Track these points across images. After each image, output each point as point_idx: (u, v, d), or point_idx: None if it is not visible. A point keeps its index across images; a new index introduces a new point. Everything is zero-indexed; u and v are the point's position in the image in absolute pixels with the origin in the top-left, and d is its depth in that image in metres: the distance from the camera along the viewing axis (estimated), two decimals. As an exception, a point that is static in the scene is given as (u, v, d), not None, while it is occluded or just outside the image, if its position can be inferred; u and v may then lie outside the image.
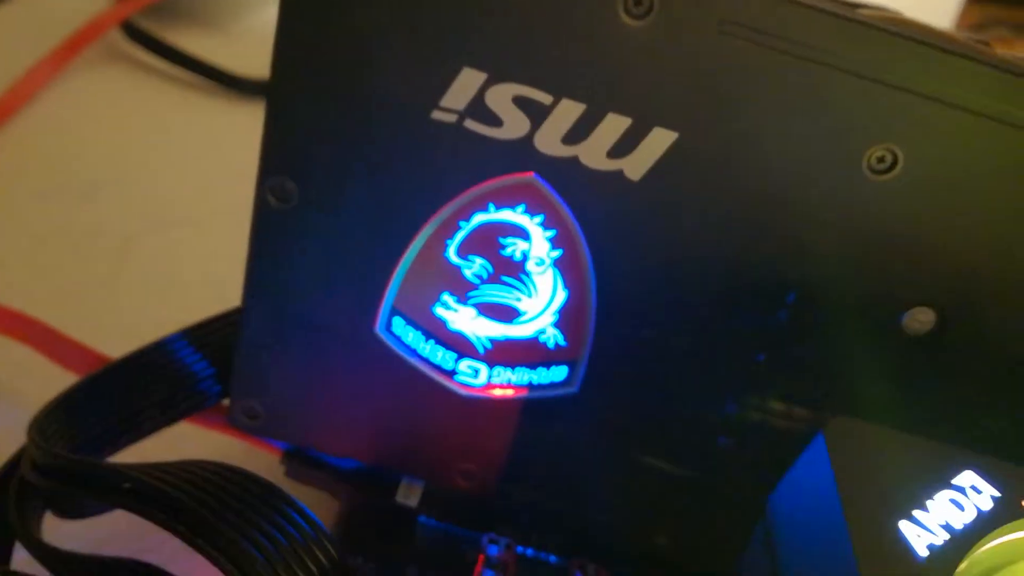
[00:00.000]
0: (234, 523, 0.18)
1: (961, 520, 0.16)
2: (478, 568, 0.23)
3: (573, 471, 0.25)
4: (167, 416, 0.25)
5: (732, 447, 0.23)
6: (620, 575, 0.25)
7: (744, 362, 0.22)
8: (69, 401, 0.23)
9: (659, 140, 0.20)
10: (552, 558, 0.26)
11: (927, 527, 0.16)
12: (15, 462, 0.21)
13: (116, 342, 0.26)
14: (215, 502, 0.18)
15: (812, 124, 0.19)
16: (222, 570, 0.17)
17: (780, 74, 0.19)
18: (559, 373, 0.23)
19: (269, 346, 0.24)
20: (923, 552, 0.15)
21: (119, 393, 0.24)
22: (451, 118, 0.20)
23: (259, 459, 0.27)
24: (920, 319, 0.21)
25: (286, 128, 0.21)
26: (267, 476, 0.22)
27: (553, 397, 0.23)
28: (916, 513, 0.16)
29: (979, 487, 0.17)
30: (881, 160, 0.19)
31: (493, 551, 0.23)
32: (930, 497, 0.16)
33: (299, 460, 0.26)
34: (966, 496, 0.17)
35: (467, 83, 0.20)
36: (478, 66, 0.19)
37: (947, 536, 0.16)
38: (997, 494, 0.17)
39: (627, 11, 0.18)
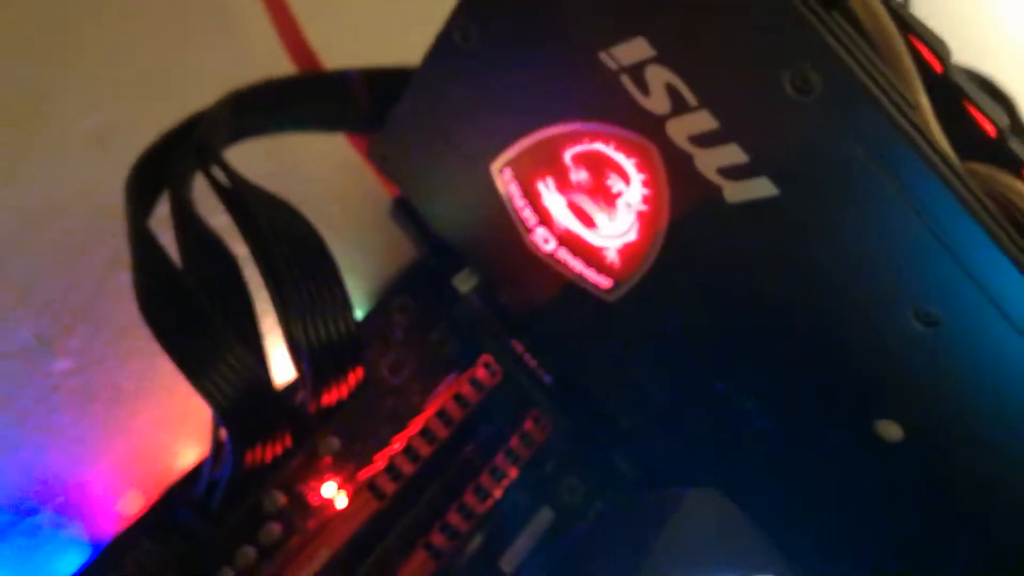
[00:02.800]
0: (293, 269, 0.24)
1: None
2: (475, 372, 0.29)
3: (580, 351, 0.29)
4: (330, 127, 0.30)
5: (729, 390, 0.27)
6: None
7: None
8: (267, 86, 0.29)
9: (763, 187, 0.21)
10: (546, 377, 0.32)
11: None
12: (193, 123, 0.27)
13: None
14: (288, 247, 0.24)
15: (891, 261, 0.20)
16: (270, 293, 0.24)
17: (880, 202, 0.19)
18: (605, 281, 0.27)
19: (413, 126, 0.28)
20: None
21: (306, 94, 0.30)
22: (612, 66, 0.22)
23: (379, 191, 0.32)
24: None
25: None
26: (376, 206, 0.28)
27: (592, 294, 0.27)
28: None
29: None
30: (928, 315, 0.21)
31: (482, 371, 0.29)
32: None
33: (403, 209, 0.31)
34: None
35: (637, 50, 0.21)
36: (653, 43, 0.21)
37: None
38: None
39: (793, 84, 0.19)
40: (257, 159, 0.29)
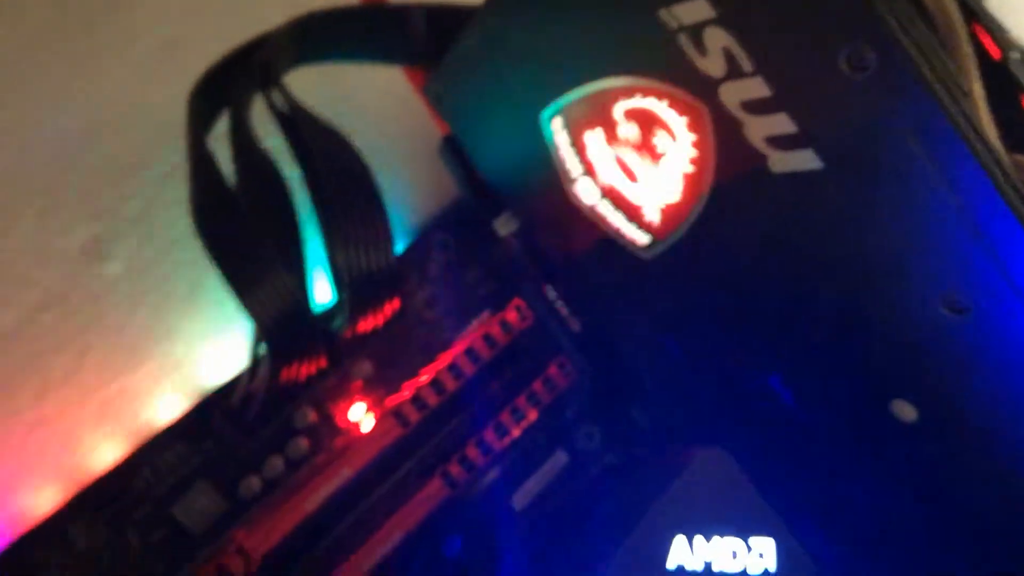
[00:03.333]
0: (340, 198, 0.24)
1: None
2: (505, 315, 0.30)
3: (611, 304, 0.30)
4: (389, 60, 0.31)
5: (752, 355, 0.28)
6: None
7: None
8: (332, 14, 0.29)
9: (808, 160, 0.21)
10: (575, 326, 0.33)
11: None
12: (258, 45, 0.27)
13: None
14: (338, 177, 0.24)
15: (926, 246, 0.20)
16: (317, 220, 0.25)
17: (922, 187, 0.20)
18: (643, 237, 0.27)
19: (469, 66, 0.28)
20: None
21: (369, 26, 0.30)
22: (671, 24, 0.22)
23: (429, 127, 0.33)
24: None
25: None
26: (426, 142, 0.29)
27: (629, 250, 0.28)
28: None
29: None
30: (957, 303, 0.21)
31: (513, 314, 0.30)
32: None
33: (452, 148, 0.32)
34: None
35: (698, 10, 0.21)
36: (714, 4, 0.21)
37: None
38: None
39: (848, 60, 0.19)
40: (314, 84, 0.30)
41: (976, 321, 0.21)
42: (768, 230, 0.24)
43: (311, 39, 0.28)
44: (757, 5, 0.20)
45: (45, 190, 0.29)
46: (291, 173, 0.27)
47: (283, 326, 0.24)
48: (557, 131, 0.27)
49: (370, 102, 0.33)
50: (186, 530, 0.26)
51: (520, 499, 0.31)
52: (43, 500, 0.26)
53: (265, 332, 0.24)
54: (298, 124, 0.26)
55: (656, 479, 0.21)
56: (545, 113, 0.27)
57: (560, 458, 0.32)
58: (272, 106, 0.27)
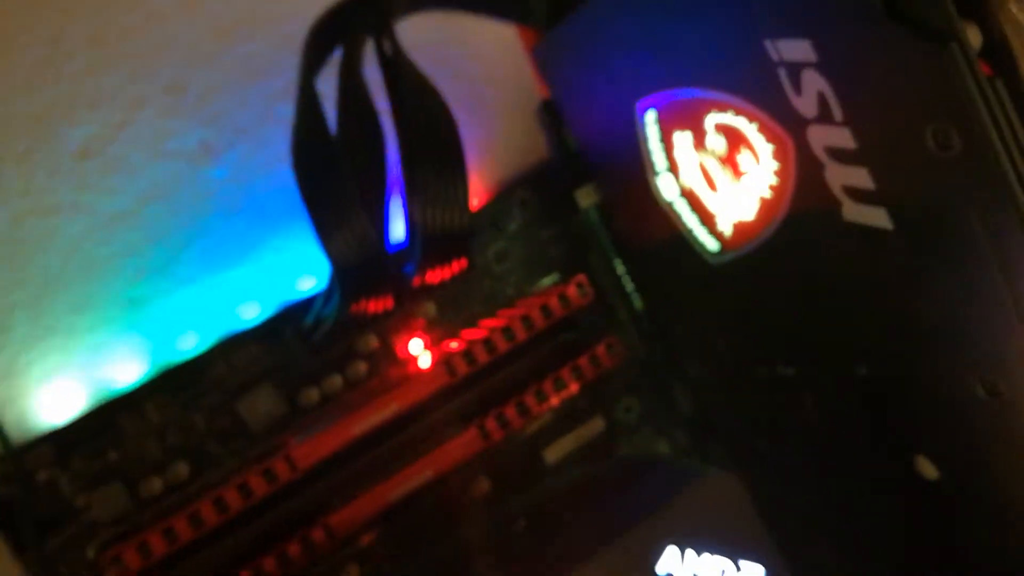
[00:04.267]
0: (427, 155, 0.26)
1: None
2: (566, 288, 0.31)
3: (671, 294, 0.31)
4: (505, 16, 0.31)
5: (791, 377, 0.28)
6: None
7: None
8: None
9: (879, 218, 0.22)
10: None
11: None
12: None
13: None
14: (428, 133, 0.26)
15: (975, 328, 0.21)
16: (402, 171, 0.26)
17: (981, 273, 0.20)
18: (712, 244, 0.28)
19: (579, 40, 0.29)
20: None
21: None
22: (774, 56, 0.22)
23: (532, 88, 0.33)
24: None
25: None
26: (526, 100, 0.30)
27: (697, 250, 0.28)
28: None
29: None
30: (994, 387, 0.21)
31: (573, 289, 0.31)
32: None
33: (549, 112, 0.33)
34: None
35: (801, 51, 0.21)
36: (818, 50, 0.21)
37: None
38: None
39: (935, 138, 0.19)
40: (429, 24, 0.31)
41: (1008, 406, 0.21)
42: (828, 271, 0.24)
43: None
44: (858, 61, 0.20)
45: (169, 89, 0.31)
46: (387, 119, 0.28)
47: (356, 270, 0.26)
48: (649, 123, 0.28)
49: (482, 50, 0.34)
50: (246, 425, 0.29)
51: (553, 453, 0.33)
52: (129, 372, 0.30)
53: (338, 272, 0.26)
54: (399, 73, 0.27)
55: (666, 487, 0.23)
56: (641, 103, 0.28)
57: (598, 423, 0.34)
58: (380, 50, 0.28)
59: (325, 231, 0.26)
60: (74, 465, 0.28)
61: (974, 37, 0.19)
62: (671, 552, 0.21)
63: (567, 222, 0.33)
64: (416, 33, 0.30)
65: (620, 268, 0.34)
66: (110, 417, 0.28)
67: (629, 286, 0.34)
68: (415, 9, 0.30)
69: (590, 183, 0.32)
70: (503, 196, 0.33)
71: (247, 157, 0.32)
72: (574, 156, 0.32)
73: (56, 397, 0.29)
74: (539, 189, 0.33)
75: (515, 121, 0.34)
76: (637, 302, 0.34)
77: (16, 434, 0.28)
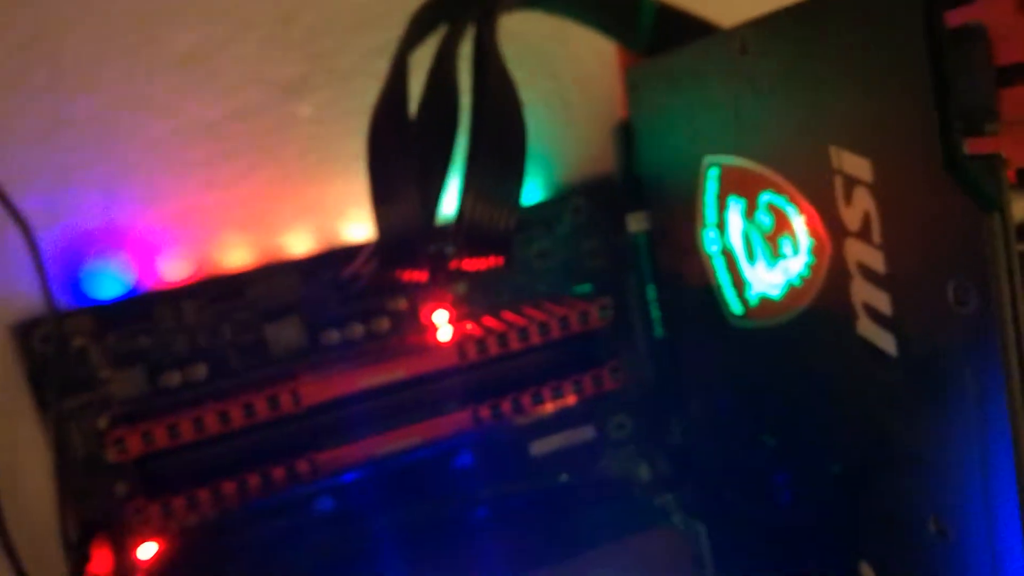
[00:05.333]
0: (492, 153, 0.27)
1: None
2: (588, 307, 0.33)
3: (689, 333, 0.32)
4: (608, 33, 0.32)
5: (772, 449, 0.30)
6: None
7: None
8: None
9: (888, 342, 0.22)
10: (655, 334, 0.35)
11: None
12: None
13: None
14: (497, 134, 0.27)
15: (940, 474, 0.22)
16: (464, 160, 0.27)
17: (961, 428, 0.21)
18: (737, 307, 0.29)
19: (670, 78, 0.30)
20: None
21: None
22: (834, 163, 0.23)
23: (615, 105, 0.34)
24: None
25: None
26: (606, 114, 0.30)
27: (721, 307, 0.30)
28: None
29: None
30: (943, 529, 0.22)
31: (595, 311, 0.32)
32: None
33: (624, 133, 0.33)
34: None
35: (860, 168, 0.22)
36: (875, 171, 0.21)
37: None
38: None
39: (955, 291, 0.20)
40: (535, 18, 0.32)
41: (952, 548, 0.22)
42: (829, 370, 0.25)
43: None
44: (907, 197, 0.21)
45: (280, 19, 0.33)
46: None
47: (399, 241, 0.28)
48: (710, 178, 0.29)
49: (579, 56, 0.35)
50: (267, 347, 0.32)
51: (539, 447, 0.35)
52: (177, 271, 0.32)
53: (381, 241, 0.28)
54: (487, 68, 0.28)
55: (624, 521, 0.24)
56: (708, 158, 0.28)
57: (588, 431, 0.35)
58: (479, 39, 0.29)
59: (379, 198, 0.28)
60: (107, 340, 0.30)
61: (1021, 208, 0.20)
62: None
63: (613, 239, 0.35)
64: (521, 23, 0.31)
65: (651, 295, 0.35)
66: (150, 307, 0.31)
67: (655, 313, 0.35)
68: (523, 6, 0.31)
69: (643, 210, 0.33)
70: (560, 199, 0.35)
71: (334, 102, 0.33)
72: (635, 180, 0.33)
73: (107, 276, 0.31)
74: (595, 201, 0.35)
75: (591, 132, 0.35)
76: (658, 330, 0.35)
77: (63, 300, 0.31)
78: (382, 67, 0.30)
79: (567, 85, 0.35)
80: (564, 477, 0.33)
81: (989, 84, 0.19)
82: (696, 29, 0.31)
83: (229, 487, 0.28)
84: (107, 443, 0.28)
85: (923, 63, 0.19)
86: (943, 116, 0.19)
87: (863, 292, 0.23)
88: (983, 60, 0.19)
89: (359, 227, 0.33)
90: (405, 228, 0.27)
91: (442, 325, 0.33)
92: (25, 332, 0.30)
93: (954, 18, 0.19)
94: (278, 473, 0.28)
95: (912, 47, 0.19)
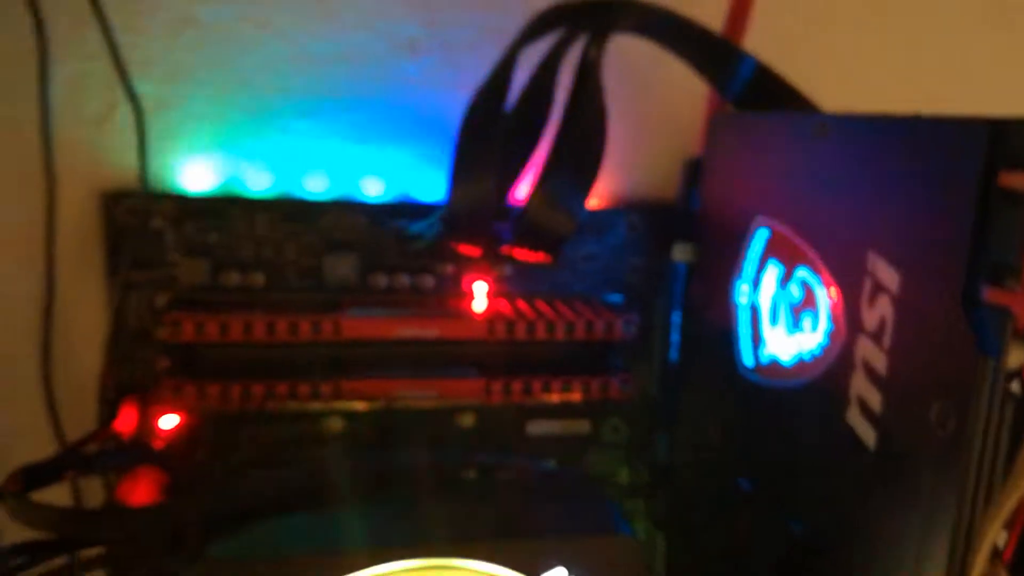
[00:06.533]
0: (569, 163, 0.29)
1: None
2: (615, 320, 0.35)
3: (701, 367, 0.34)
4: (703, 76, 0.34)
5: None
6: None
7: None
8: (688, 21, 0.32)
9: (870, 436, 0.25)
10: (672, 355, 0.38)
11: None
12: None
13: None
14: (580, 148, 0.29)
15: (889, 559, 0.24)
16: (544, 163, 0.30)
17: (905, 539, 0.23)
18: (749, 359, 0.31)
19: (748, 134, 0.32)
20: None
21: (708, 47, 0.33)
22: (868, 266, 0.25)
23: (693, 142, 0.36)
24: None
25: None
26: (682, 148, 0.32)
27: (735, 356, 0.32)
28: None
29: None
30: None
31: (620, 325, 0.34)
32: None
33: (692, 171, 0.35)
34: None
35: (890, 278, 0.24)
36: (904, 286, 0.23)
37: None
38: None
39: (937, 415, 0.22)
40: (643, 44, 0.34)
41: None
42: (813, 442, 0.27)
43: (656, 24, 0.32)
44: (922, 318, 0.23)
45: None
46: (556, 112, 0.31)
47: (464, 218, 0.30)
48: (758, 236, 0.31)
49: (674, 86, 0.37)
50: (322, 275, 0.34)
51: (534, 427, 0.37)
52: (261, 183, 0.35)
53: (450, 212, 0.30)
54: (585, 83, 0.30)
55: (590, 518, 0.27)
56: (762, 217, 0.30)
57: (583, 425, 0.38)
58: (586, 53, 0.31)
59: (458, 173, 0.30)
60: (183, 229, 0.33)
61: (1018, 353, 0.22)
62: (560, 573, 0.25)
63: (656, 261, 0.37)
64: (629, 43, 0.33)
65: (677, 320, 0.37)
66: (228, 209, 0.33)
67: (675, 338, 0.37)
68: (635, 31, 0.33)
69: (691, 243, 0.36)
70: (619, 211, 0.37)
71: (439, 69, 0.35)
72: (691, 215, 0.35)
73: (198, 172, 0.34)
74: (650, 222, 0.37)
75: (664, 159, 0.37)
76: (673, 354, 0.38)
77: (154, 183, 0.33)
78: (488, 48, 0.32)
79: (654, 110, 0.37)
80: (552, 463, 0.36)
81: (1020, 246, 0.21)
82: (787, 96, 0.33)
83: (258, 388, 0.31)
84: (164, 322, 0.31)
85: (970, 209, 0.21)
86: (973, 260, 0.21)
87: (861, 386, 0.25)
88: (1021, 225, 0.20)
89: (430, 189, 0.36)
90: (474, 207, 0.30)
91: (479, 297, 0.35)
92: (114, 201, 0.33)
93: (1008, 179, 0.21)
94: (303, 388, 0.31)
95: (965, 192, 0.21)
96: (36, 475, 0.28)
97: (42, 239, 0.33)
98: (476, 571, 0.25)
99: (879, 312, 0.25)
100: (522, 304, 0.35)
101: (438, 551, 0.26)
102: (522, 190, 0.32)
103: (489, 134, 0.30)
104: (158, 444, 0.32)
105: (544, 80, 0.31)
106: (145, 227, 0.33)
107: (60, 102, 0.33)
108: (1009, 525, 0.22)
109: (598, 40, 0.31)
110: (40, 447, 0.34)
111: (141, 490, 0.32)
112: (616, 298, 0.37)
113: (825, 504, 0.27)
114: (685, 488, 0.37)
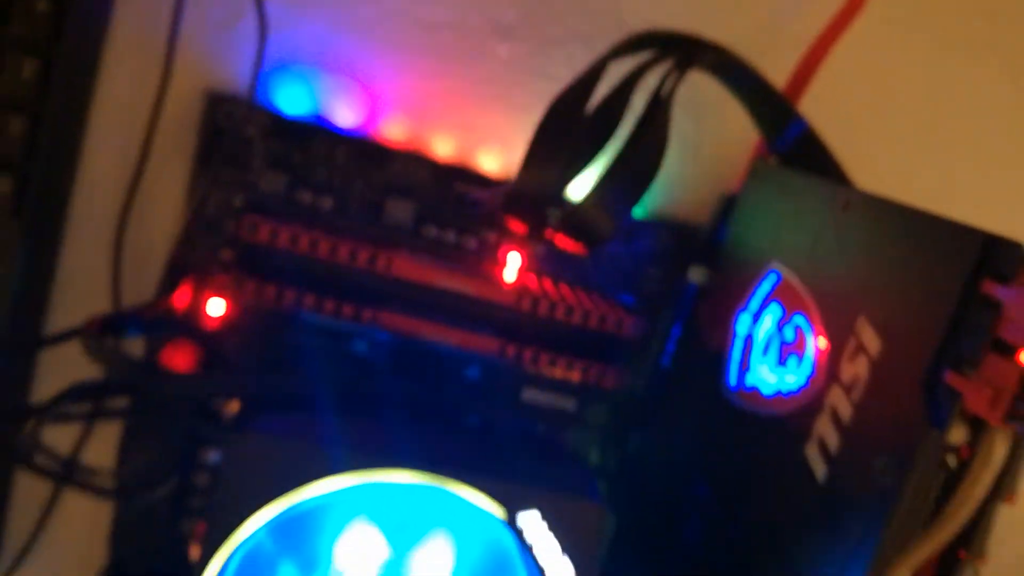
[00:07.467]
0: (623, 177, 0.33)
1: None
2: (622, 317, 0.39)
3: (690, 382, 0.39)
4: (757, 125, 0.38)
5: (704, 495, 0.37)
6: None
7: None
8: (759, 77, 0.36)
9: (821, 470, 0.29)
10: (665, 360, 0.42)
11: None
12: None
13: None
14: (639, 168, 0.33)
15: None
16: (604, 170, 0.33)
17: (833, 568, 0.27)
18: (733, 382, 0.35)
19: (781, 190, 0.36)
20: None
21: (767, 102, 0.37)
22: (857, 326, 0.29)
23: (733, 178, 0.40)
24: None
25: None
26: (721, 181, 0.36)
27: (721, 375, 0.36)
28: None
29: None
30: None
31: (630, 323, 0.38)
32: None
33: (727, 205, 0.39)
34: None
35: (873, 341, 0.28)
36: (882, 351, 0.28)
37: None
38: None
39: (881, 466, 0.26)
40: (715, 84, 0.37)
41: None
42: (771, 469, 0.32)
43: (730, 68, 0.36)
44: (891, 383, 0.27)
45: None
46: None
47: (524, 199, 0.34)
48: (768, 279, 0.35)
49: (730, 126, 0.40)
50: (382, 213, 0.38)
51: (528, 394, 0.42)
52: (348, 120, 0.38)
53: (513, 191, 0.34)
54: (656, 109, 0.34)
55: (568, 480, 0.31)
56: (776, 262, 0.34)
57: (570, 402, 0.42)
58: (663, 80, 0.35)
59: (531, 158, 0.34)
60: (271, 142, 0.37)
61: (960, 432, 0.26)
62: (534, 516, 0.29)
63: (671, 276, 0.41)
64: (704, 79, 0.37)
65: (677, 332, 0.41)
66: (314, 135, 0.37)
67: (670, 348, 0.42)
68: (711, 73, 0.37)
69: (706, 268, 0.40)
70: (651, 224, 0.41)
71: (527, 57, 0.39)
72: (714, 243, 0.39)
73: (298, 95, 0.38)
74: (675, 239, 0.41)
75: (705, 188, 0.41)
76: (665, 360, 0.42)
77: (257, 95, 0.37)
78: (574, 47, 0.36)
79: (706, 142, 0.41)
80: (541, 427, 0.40)
81: (984, 345, 0.25)
82: (825, 163, 0.37)
83: (309, 299, 0.35)
84: (242, 223, 0.34)
85: (952, 304, 0.25)
86: (944, 347, 0.25)
87: (824, 427, 0.30)
88: (989, 327, 0.25)
89: (492, 161, 0.39)
90: (537, 190, 0.34)
91: (511, 268, 0.39)
92: (217, 103, 0.37)
93: (989, 287, 0.25)
94: (347, 309, 0.35)
95: (952, 288, 0.25)
96: (108, 324, 0.32)
97: (146, 119, 0.37)
98: (465, 494, 0.30)
99: (856, 369, 0.29)
100: (548, 284, 0.39)
101: (437, 471, 0.30)
102: (578, 186, 0.36)
103: (566, 130, 0.34)
104: (204, 324, 0.36)
105: (622, 94, 0.35)
106: (239, 133, 0.37)
107: (192, 2, 0.36)
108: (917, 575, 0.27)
109: (677, 74, 0.35)
110: (94, 300, 0.38)
111: (180, 360, 0.36)
112: (627, 299, 0.41)
113: (768, 520, 0.32)
114: (646, 480, 0.41)
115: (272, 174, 0.37)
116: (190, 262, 0.37)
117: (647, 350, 0.42)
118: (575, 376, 0.38)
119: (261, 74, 0.37)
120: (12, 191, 0.35)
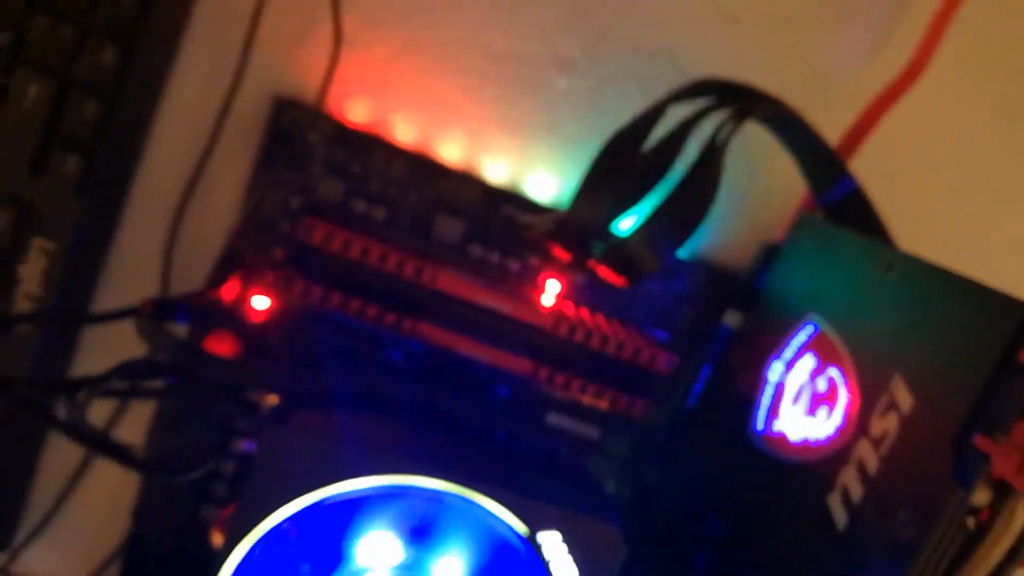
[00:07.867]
0: (670, 216, 0.34)
1: None
2: (657, 353, 0.40)
3: (714, 417, 0.39)
4: (806, 179, 0.38)
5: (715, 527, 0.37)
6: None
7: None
8: (813, 134, 0.37)
9: (843, 520, 0.29)
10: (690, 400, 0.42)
11: None
12: None
13: None
14: (688, 207, 0.34)
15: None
16: (654, 208, 0.34)
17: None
18: (760, 426, 0.36)
19: (824, 245, 0.36)
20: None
21: (819, 159, 0.38)
22: (890, 381, 0.29)
23: (775, 228, 0.41)
24: None
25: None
26: (766, 228, 0.37)
27: (748, 418, 0.37)
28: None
29: None
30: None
31: (664, 360, 0.39)
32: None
33: (769, 255, 0.40)
34: None
35: (905, 396, 0.29)
36: (914, 404, 0.28)
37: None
38: None
39: (903, 519, 0.27)
40: (768, 137, 0.38)
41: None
42: (793, 515, 0.32)
43: (785, 121, 0.37)
44: (921, 439, 0.27)
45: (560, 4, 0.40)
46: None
47: (573, 227, 0.35)
48: (805, 329, 0.35)
49: (780, 177, 0.41)
50: (431, 230, 0.39)
51: (553, 418, 0.42)
52: (409, 136, 0.39)
53: (563, 220, 0.35)
54: (711, 156, 0.35)
55: (584, 501, 0.32)
56: (814, 315, 0.35)
57: (593, 431, 0.43)
58: (720, 128, 0.36)
59: (583, 190, 0.35)
60: (333, 150, 0.38)
61: (984, 495, 0.26)
62: (554, 536, 0.30)
63: (706, 318, 0.41)
64: (758, 130, 0.38)
65: (706, 372, 0.42)
66: (373, 147, 0.38)
67: (698, 386, 0.42)
68: (766, 125, 0.38)
69: (742, 313, 0.40)
70: (692, 265, 0.41)
71: (587, 94, 0.40)
72: (753, 289, 0.40)
73: (363, 106, 0.39)
74: (714, 282, 0.41)
75: (748, 234, 0.42)
76: (692, 401, 0.42)
77: (324, 105, 0.38)
78: (631, 88, 0.37)
79: (754, 190, 0.42)
80: (564, 451, 0.40)
81: (1015, 412, 0.25)
82: (871, 223, 0.38)
83: (354, 304, 0.36)
84: (299, 224, 0.36)
85: (987, 370, 0.26)
86: (975, 411, 0.26)
87: (849, 477, 0.30)
88: (1021, 395, 0.25)
89: (541, 188, 0.40)
90: (585, 222, 0.35)
91: (550, 293, 0.40)
92: (284, 108, 0.38)
93: (1025, 357, 0.25)
94: (389, 317, 0.36)
95: (988, 355, 0.26)
96: (161, 307, 0.33)
97: (214, 116, 0.38)
98: (487, 507, 0.30)
99: (886, 424, 0.29)
100: (584, 313, 0.40)
101: (459, 481, 0.30)
102: (625, 221, 0.36)
103: (621, 167, 0.35)
104: (248, 318, 0.37)
105: (678, 138, 0.36)
106: (303, 138, 0.38)
107: (271, 10, 0.38)
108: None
109: (734, 123, 0.36)
110: (143, 285, 0.39)
111: (222, 351, 0.37)
112: (662, 335, 0.42)
113: (782, 562, 0.32)
114: (661, 513, 0.41)
115: (330, 180, 0.38)
116: (242, 257, 0.38)
117: (675, 387, 0.42)
118: (603, 404, 0.39)
119: (330, 84, 0.38)
120: (79, 171, 0.37)
